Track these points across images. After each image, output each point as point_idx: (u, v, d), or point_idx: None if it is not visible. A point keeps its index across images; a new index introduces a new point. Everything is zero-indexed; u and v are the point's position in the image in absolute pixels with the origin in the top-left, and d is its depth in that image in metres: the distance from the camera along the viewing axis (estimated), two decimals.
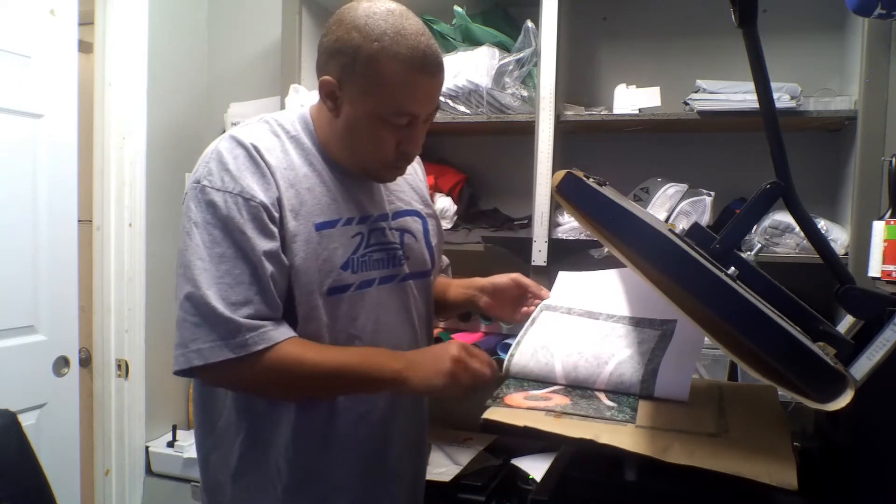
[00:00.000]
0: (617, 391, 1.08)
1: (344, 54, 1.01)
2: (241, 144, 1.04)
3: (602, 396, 1.07)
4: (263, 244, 1.00)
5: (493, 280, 1.30)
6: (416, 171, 1.29)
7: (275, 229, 1.02)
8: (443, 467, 1.86)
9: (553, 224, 1.92)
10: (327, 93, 1.05)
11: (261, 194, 1.01)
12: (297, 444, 1.09)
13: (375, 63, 0.99)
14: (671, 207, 1.85)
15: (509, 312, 1.30)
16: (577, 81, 2.13)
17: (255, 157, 1.03)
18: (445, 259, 1.44)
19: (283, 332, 1.02)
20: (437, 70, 1.04)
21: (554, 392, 1.07)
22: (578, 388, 1.10)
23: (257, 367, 0.99)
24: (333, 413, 1.10)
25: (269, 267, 1.00)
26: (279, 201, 1.03)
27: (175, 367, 1.01)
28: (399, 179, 1.20)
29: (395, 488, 1.19)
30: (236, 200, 1.00)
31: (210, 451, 1.14)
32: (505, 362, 1.16)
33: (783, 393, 0.88)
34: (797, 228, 1.67)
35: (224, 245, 1.00)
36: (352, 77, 1.01)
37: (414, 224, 1.21)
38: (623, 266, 1.04)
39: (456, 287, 1.35)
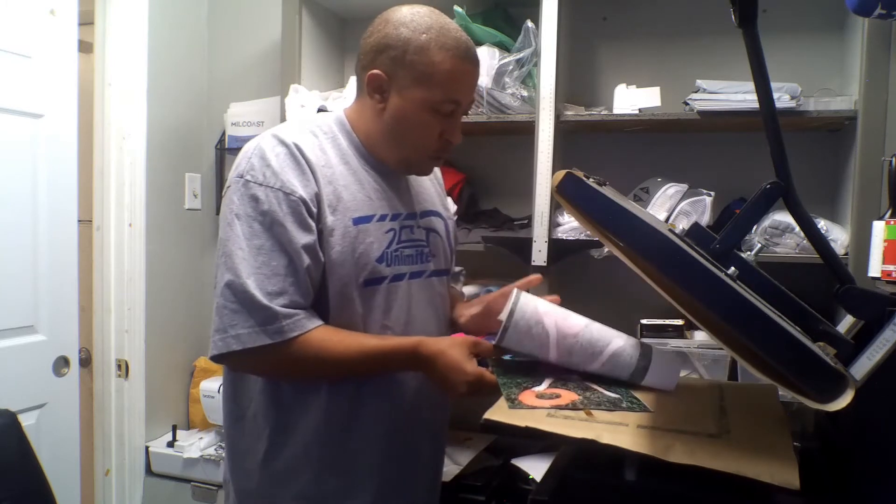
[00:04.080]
0: (606, 376, 1.10)
1: (394, 48, 1.08)
2: (282, 143, 1.09)
3: (600, 388, 1.08)
4: (302, 238, 1.06)
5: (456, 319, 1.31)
6: (437, 176, 1.36)
7: (312, 223, 1.07)
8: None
9: (553, 224, 1.91)
10: (376, 87, 1.11)
11: (300, 189, 1.06)
12: (325, 431, 1.13)
13: (426, 52, 1.07)
14: (671, 207, 1.85)
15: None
16: (577, 81, 2.13)
17: (295, 155, 1.08)
18: (458, 268, 1.46)
19: (315, 321, 1.07)
20: (477, 61, 1.13)
21: (558, 388, 1.07)
22: (570, 373, 1.11)
23: (291, 352, 1.05)
24: (360, 401, 1.15)
25: (305, 259, 1.06)
26: (318, 196, 1.08)
27: (214, 351, 1.06)
28: (424, 182, 1.28)
29: (420, 473, 1.23)
30: (277, 195, 1.05)
31: (239, 439, 1.18)
32: (498, 336, 1.12)
33: (784, 393, 0.88)
34: (797, 228, 1.67)
35: (263, 237, 1.05)
36: (402, 68, 1.08)
37: (438, 224, 1.27)
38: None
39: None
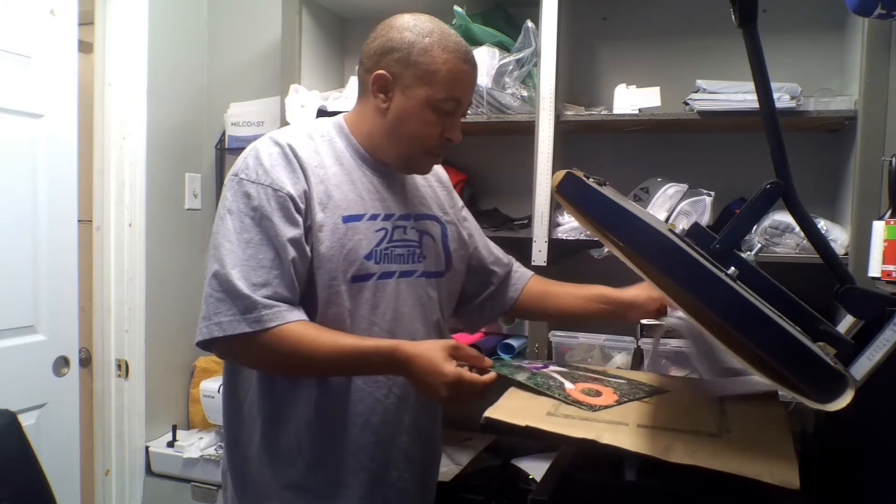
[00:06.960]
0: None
1: (399, 50, 1.14)
2: (277, 143, 1.15)
3: (604, 376, 1.09)
4: (288, 231, 1.10)
5: (634, 299, 1.34)
6: (439, 181, 1.39)
7: (299, 218, 1.12)
8: (443, 467, 1.86)
9: (553, 224, 1.91)
10: (381, 86, 1.16)
11: (289, 186, 1.11)
12: (316, 425, 1.17)
13: (429, 53, 1.13)
14: (671, 207, 1.85)
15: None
16: (577, 81, 2.13)
17: (287, 154, 1.14)
18: (507, 258, 1.50)
19: (296, 315, 1.10)
20: (475, 64, 1.20)
21: (579, 383, 1.09)
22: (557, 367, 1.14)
23: (269, 342, 1.07)
24: (350, 397, 1.17)
25: (291, 252, 1.10)
26: (306, 194, 1.13)
27: (198, 337, 1.10)
28: (424, 188, 1.32)
29: (406, 473, 1.24)
30: (266, 191, 1.11)
31: (238, 429, 1.22)
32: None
33: (784, 393, 0.88)
34: (797, 228, 1.67)
35: (252, 232, 1.10)
36: (407, 68, 1.14)
37: (433, 227, 1.30)
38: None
39: (582, 299, 1.39)
